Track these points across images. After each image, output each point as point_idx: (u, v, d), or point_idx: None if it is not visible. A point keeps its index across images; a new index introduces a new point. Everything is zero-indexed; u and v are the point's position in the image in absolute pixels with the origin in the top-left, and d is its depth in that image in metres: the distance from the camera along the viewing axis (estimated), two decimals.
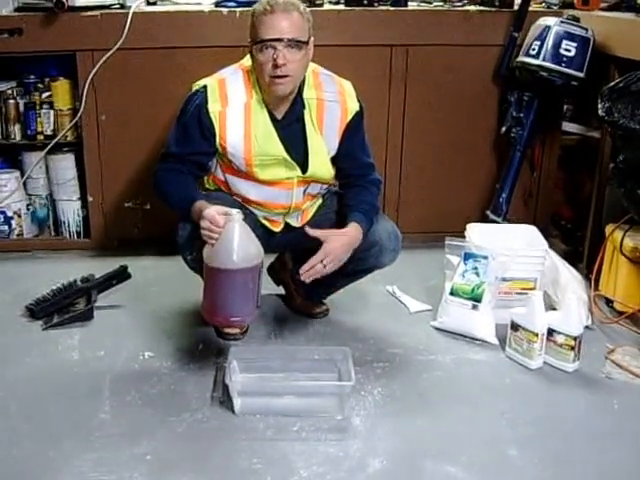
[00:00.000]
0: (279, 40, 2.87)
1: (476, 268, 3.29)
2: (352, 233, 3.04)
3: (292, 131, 3.08)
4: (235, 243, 2.72)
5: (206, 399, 2.83)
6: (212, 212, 2.78)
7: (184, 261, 3.10)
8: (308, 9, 3.01)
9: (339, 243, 3.01)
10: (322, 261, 3.00)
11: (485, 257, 3.29)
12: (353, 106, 3.11)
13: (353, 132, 3.12)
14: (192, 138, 3.03)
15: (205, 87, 3.01)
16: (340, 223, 3.14)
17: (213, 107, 2.98)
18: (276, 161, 3.06)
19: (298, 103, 3.05)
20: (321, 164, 3.13)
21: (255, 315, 2.88)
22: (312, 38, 3.00)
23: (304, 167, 3.10)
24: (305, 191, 3.19)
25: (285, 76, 2.91)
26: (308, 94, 3.06)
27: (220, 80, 3.04)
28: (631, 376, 3.01)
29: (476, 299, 3.28)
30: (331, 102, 3.06)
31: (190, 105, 3.02)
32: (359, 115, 3.13)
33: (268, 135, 3.03)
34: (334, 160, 3.16)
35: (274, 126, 3.04)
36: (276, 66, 2.89)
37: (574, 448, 2.59)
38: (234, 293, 2.77)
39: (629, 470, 2.48)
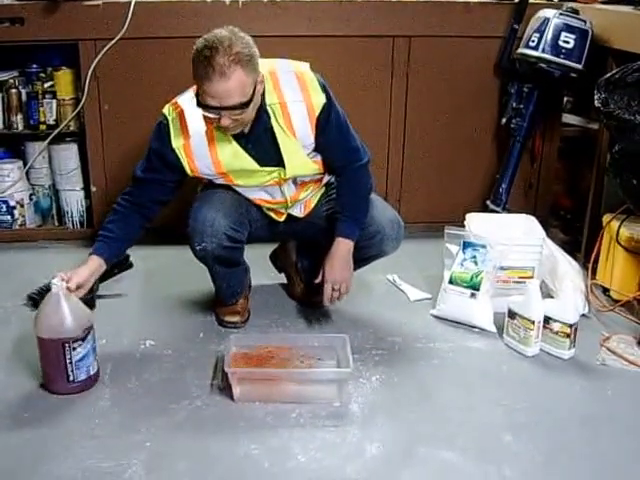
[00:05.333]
0: (220, 108, 2.76)
1: (474, 257, 3.32)
2: (340, 250, 3.15)
3: (261, 142, 3.00)
4: (44, 313, 2.75)
5: (206, 387, 2.85)
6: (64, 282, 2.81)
7: (192, 251, 3.10)
8: (251, 43, 2.76)
9: (336, 265, 3.16)
10: (334, 289, 3.16)
11: (483, 246, 3.31)
12: (319, 100, 2.96)
13: (325, 124, 3.00)
14: (159, 170, 3.02)
15: (167, 120, 2.96)
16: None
17: (176, 142, 2.95)
18: (251, 171, 3.05)
19: (262, 113, 2.93)
20: (299, 164, 3.08)
21: (70, 390, 2.79)
22: (259, 77, 2.81)
23: (282, 170, 3.08)
24: (295, 183, 3.18)
25: (234, 127, 2.88)
26: (270, 100, 2.93)
27: (180, 112, 2.95)
28: (626, 363, 3.03)
29: (474, 287, 3.30)
30: (295, 102, 2.94)
31: (155, 140, 3.00)
32: (327, 106, 2.97)
33: (236, 155, 2.99)
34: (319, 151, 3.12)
35: (240, 145, 2.98)
36: (220, 127, 2.87)
37: (569, 434, 2.61)
38: (45, 362, 2.80)
39: (623, 455, 2.50)
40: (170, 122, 2.96)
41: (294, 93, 2.94)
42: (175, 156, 2.97)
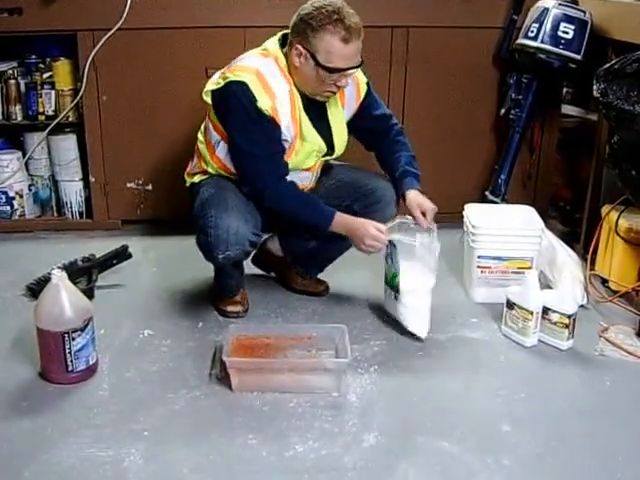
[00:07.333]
0: (350, 68, 2.88)
1: (391, 254, 3.20)
2: (417, 193, 3.21)
3: (316, 113, 3.08)
4: (44, 304, 2.74)
5: (204, 376, 2.85)
6: (378, 230, 3.01)
7: (211, 258, 3.07)
8: None
9: (422, 199, 3.20)
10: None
11: (394, 246, 3.17)
12: (362, 76, 3.18)
13: (368, 94, 3.22)
14: (266, 130, 2.97)
15: (245, 84, 2.89)
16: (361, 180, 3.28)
17: (264, 104, 2.90)
18: (313, 149, 3.10)
19: None
20: (342, 140, 3.20)
21: (70, 380, 2.79)
22: None
23: (331, 149, 3.16)
24: (317, 173, 3.26)
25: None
26: None
27: (257, 74, 2.92)
28: (624, 353, 3.04)
29: (395, 289, 3.21)
30: None
31: (240, 99, 2.91)
32: (368, 83, 3.22)
33: (305, 122, 3.04)
34: (350, 125, 3.22)
35: (306, 113, 3.04)
36: (338, 87, 2.94)
37: (567, 424, 2.61)
38: (44, 352, 2.79)
39: (621, 445, 2.50)
40: (250, 85, 2.90)
41: None
42: (266, 115, 2.93)
